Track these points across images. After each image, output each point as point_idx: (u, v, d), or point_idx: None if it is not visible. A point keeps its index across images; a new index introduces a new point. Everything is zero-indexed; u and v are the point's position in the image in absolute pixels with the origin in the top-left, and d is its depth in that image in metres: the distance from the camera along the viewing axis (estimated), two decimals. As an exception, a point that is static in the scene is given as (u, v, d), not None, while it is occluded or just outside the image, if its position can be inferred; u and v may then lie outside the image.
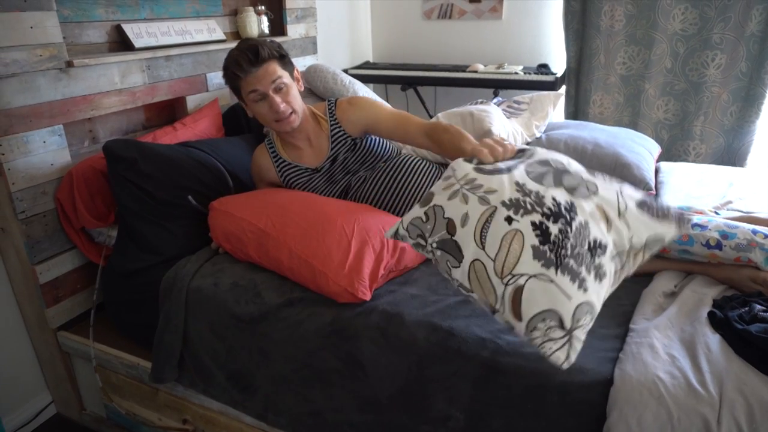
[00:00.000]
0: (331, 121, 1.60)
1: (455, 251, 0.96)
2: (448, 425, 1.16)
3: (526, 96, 2.00)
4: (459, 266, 0.95)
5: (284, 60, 1.50)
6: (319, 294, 1.29)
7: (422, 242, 1.01)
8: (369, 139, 1.63)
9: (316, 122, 1.62)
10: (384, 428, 1.24)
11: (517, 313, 0.90)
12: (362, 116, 1.58)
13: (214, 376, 1.42)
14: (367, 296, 1.24)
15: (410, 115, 1.58)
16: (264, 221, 1.38)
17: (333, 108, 1.62)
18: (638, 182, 1.63)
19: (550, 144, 1.78)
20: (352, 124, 1.59)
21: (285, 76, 1.48)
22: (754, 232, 1.21)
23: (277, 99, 1.46)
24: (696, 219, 1.27)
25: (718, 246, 1.20)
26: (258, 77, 1.44)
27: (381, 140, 1.66)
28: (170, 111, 2.04)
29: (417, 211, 1.02)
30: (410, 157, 1.64)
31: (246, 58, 1.43)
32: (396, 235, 1.05)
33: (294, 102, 1.50)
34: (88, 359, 1.63)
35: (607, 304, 1.22)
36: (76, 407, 1.79)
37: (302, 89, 1.57)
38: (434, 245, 0.98)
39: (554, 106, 1.98)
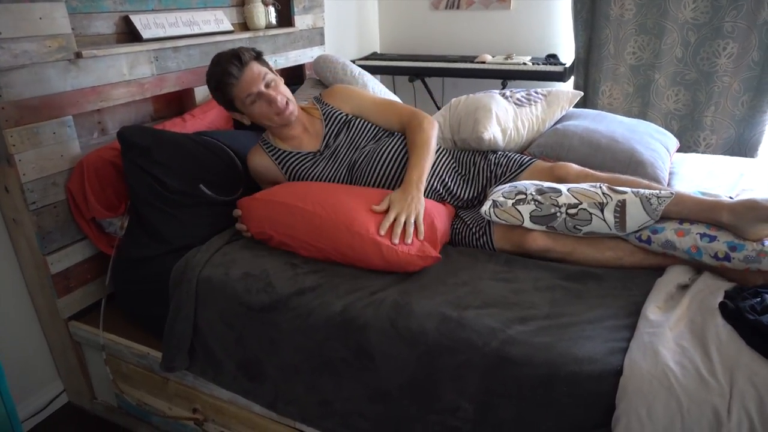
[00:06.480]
0: (321, 106, 1.72)
1: (552, 190, 1.37)
2: (457, 415, 1.16)
3: (545, 89, 1.96)
4: (561, 194, 1.35)
5: (261, 58, 1.58)
6: (340, 280, 1.34)
7: (522, 196, 1.38)
8: (362, 119, 1.71)
9: (308, 114, 1.71)
10: (393, 418, 1.24)
11: (620, 192, 1.31)
12: (347, 100, 1.72)
13: (224, 364, 1.43)
14: (438, 254, 1.35)
15: (393, 103, 1.74)
16: (311, 206, 1.40)
17: (319, 98, 1.75)
18: (651, 180, 1.56)
19: (565, 136, 1.73)
20: (341, 103, 1.72)
21: (269, 72, 1.56)
22: (764, 242, 1.16)
23: (272, 93, 1.53)
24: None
25: (727, 258, 1.18)
26: (249, 80, 1.51)
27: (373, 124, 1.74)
28: (178, 103, 2.04)
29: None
30: None
31: (233, 66, 1.50)
32: (495, 203, 1.40)
33: (286, 92, 1.58)
34: (99, 349, 1.65)
35: (617, 294, 1.23)
36: (88, 396, 1.81)
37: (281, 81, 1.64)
38: (534, 193, 1.37)
39: (570, 104, 1.94)
